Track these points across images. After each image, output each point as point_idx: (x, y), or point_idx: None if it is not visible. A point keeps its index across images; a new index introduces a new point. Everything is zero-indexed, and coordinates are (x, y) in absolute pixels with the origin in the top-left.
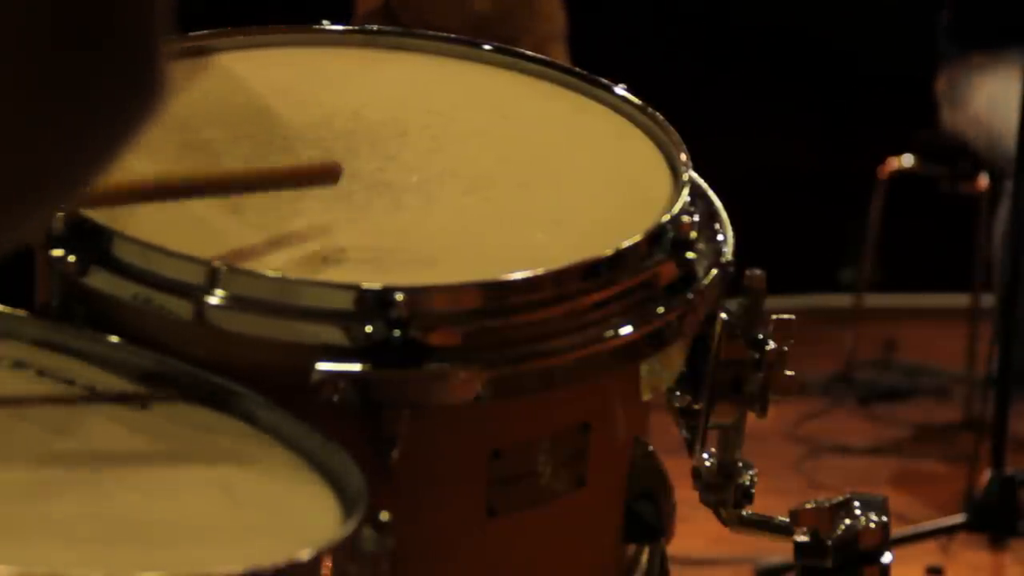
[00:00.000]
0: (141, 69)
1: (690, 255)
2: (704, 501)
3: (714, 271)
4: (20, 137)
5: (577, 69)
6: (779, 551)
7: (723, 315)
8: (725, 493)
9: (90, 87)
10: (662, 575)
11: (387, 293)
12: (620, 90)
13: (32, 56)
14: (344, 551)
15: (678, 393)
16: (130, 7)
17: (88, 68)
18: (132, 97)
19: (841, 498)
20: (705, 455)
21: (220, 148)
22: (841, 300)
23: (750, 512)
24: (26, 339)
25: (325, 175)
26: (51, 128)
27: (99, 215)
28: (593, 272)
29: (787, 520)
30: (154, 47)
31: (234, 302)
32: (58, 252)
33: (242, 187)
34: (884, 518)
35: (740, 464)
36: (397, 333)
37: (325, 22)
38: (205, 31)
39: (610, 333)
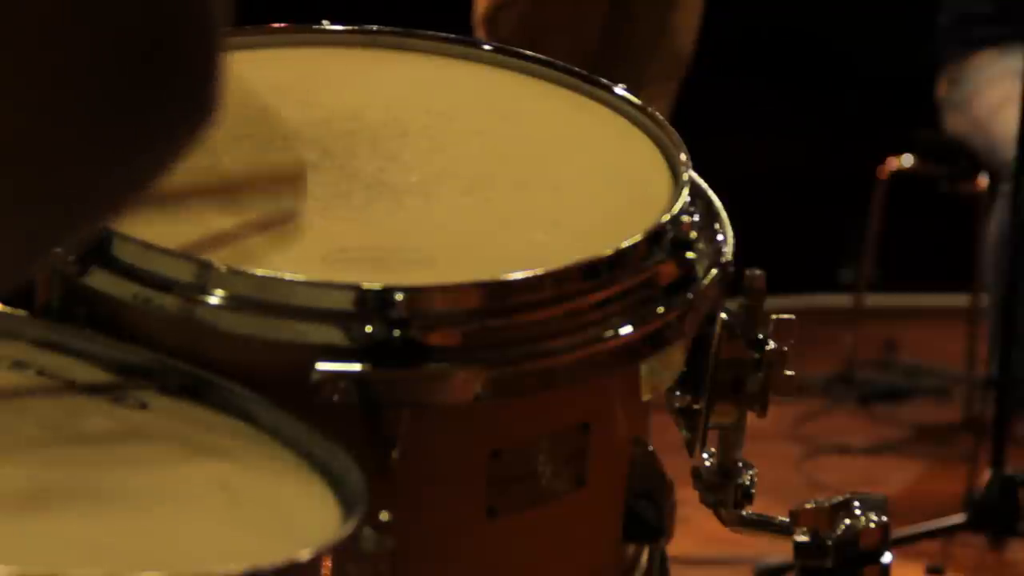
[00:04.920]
0: (201, 90)
1: (690, 255)
2: (704, 501)
3: (714, 271)
4: (76, 155)
5: (577, 69)
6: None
7: (723, 315)
8: (725, 493)
9: (151, 109)
10: (662, 575)
11: (387, 293)
12: (620, 90)
13: (95, 77)
14: (344, 551)
15: (678, 393)
16: (194, 29)
17: (150, 90)
18: (190, 117)
19: (841, 498)
20: (705, 455)
21: (220, 148)
22: (841, 300)
23: (750, 512)
24: (26, 339)
25: (288, 181)
26: (108, 148)
27: None
28: (593, 272)
29: (787, 520)
30: (214, 68)
31: (234, 302)
32: (58, 252)
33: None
34: (884, 518)
35: (740, 464)
36: (397, 333)
37: (325, 22)
38: None
39: (610, 333)
